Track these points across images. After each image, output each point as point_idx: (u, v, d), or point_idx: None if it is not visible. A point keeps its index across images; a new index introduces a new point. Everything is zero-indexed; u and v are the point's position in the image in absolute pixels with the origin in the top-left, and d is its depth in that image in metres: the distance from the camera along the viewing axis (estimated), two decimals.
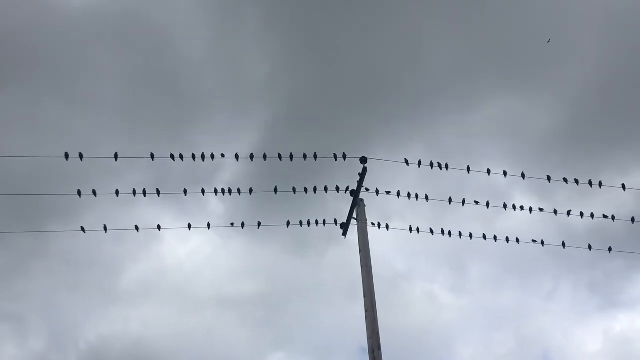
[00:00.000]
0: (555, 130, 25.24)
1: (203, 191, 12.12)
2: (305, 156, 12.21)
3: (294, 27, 28.45)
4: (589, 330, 28.57)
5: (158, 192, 11.95)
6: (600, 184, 12.98)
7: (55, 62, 25.43)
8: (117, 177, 13.09)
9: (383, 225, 12.29)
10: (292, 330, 25.72)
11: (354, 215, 11.59)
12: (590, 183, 12.95)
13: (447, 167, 12.61)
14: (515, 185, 16.45)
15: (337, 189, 12.04)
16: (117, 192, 11.72)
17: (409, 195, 12.46)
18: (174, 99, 25.86)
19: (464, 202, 12.82)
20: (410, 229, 12.54)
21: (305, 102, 26.64)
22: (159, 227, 12.21)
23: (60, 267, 24.13)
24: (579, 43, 26.08)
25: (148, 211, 17.54)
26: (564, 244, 13.18)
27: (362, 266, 10.75)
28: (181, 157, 11.79)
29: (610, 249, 13.27)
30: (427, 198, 12.57)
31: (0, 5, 24.92)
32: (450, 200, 12.73)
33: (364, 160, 11.54)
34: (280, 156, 12.15)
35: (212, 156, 11.90)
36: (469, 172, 12.79)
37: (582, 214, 13.05)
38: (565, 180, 12.95)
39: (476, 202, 12.87)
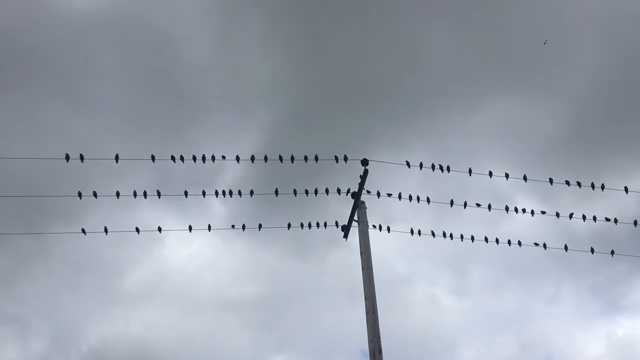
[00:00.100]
0: (557, 133, 25.19)
1: (204, 193, 12.11)
2: (306, 158, 12.22)
3: (296, 30, 28.49)
4: (591, 334, 28.49)
5: (159, 194, 11.95)
6: (602, 187, 12.94)
7: (57, 65, 25.47)
8: (119, 180, 13.08)
9: (384, 227, 12.27)
10: (293, 333, 25.70)
11: (355, 218, 11.56)
12: (592, 186, 12.92)
13: (448, 169, 12.57)
14: (517, 188, 16.38)
15: (339, 191, 12.01)
16: (117, 194, 11.71)
17: (410, 197, 12.44)
18: (177, 102, 25.88)
19: (465, 204, 12.78)
20: (412, 232, 12.53)
21: (307, 104, 26.64)
22: (159, 229, 12.21)
23: (61, 269, 24.13)
24: (582, 46, 26.08)
25: (150, 214, 17.52)
26: (566, 247, 13.12)
27: (363, 269, 10.71)
28: (182, 158, 11.80)
29: (612, 252, 13.21)
30: (428, 200, 12.55)
31: (1, 7, 24.99)
32: (451, 202, 12.70)
33: (365, 162, 11.51)
34: (281, 158, 12.16)
35: (213, 158, 11.90)
36: (470, 175, 12.76)
37: (584, 217, 13.01)
38: (567, 182, 12.91)
39: (478, 205, 12.83)
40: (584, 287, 27.34)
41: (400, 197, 12.36)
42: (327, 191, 12.22)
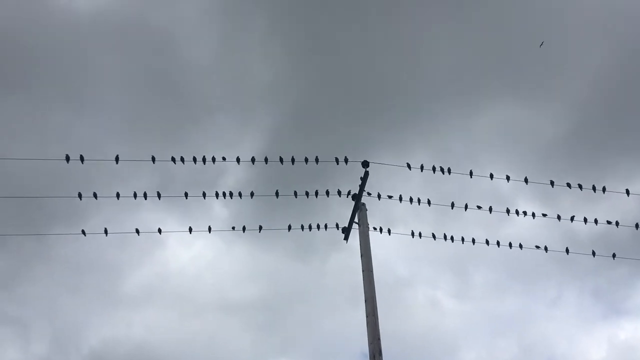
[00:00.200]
0: (558, 135, 25.17)
1: (204, 194, 12.08)
2: (306, 159, 12.20)
3: (297, 31, 28.52)
4: (593, 338, 28.40)
5: (159, 195, 11.92)
6: (604, 190, 12.89)
7: (59, 66, 25.50)
8: (121, 181, 13.07)
9: (385, 229, 12.24)
10: (294, 335, 25.66)
11: (356, 220, 11.53)
12: (594, 188, 12.87)
13: (449, 171, 12.54)
14: (518, 191, 16.38)
15: (339, 192, 11.99)
16: (117, 195, 11.68)
17: (410, 199, 12.40)
18: (178, 103, 25.90)
19: (466, 207, 12.74)
20: (413, 234, 12.50)
21: (308, 106, 26.64)
22: (159, 231, 12.18)
23: (62, 271, 24.13)
24: (583, 48, 26.06)
25: (151, 216, 17.52)
26: (567, 250, 13.10)
27: (363, 271, 10.68)
28: (182, 160, 11.79)
29: (614, 255, 13.16)
30: (429, 203, 12.52)
31: (2, 8, 25.04)
32: (452, 205, 12.65)
33: (365, 164, 11.49)
34: (281, 159, 12.13)
35: (213, 159, 11.88)
36: (471, 177, 12.73)
37: (585, 220, 12.96)
38: (568, 185, 12.88)
39: (479, 207, 12.80)
40: (585, 290, 27.29)
41: (400, 199, 12.33)
42: (327, 193, 12.19)
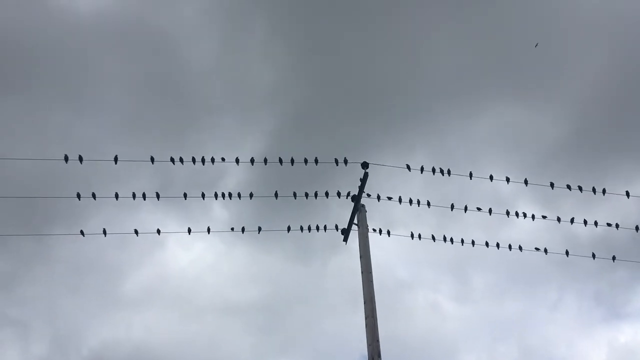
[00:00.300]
0: (559, 139, 25.14)
1: (203, 195, 12.06)
2: (306, 161, 12.17)
3: (298, 33, 28.54)
4: (593, 341, 28.31)
5: (158, 196, 11.89)
6: (603, 191, 12.87)
7: (60, 68, 25.52)
8: (121, 183, 13.03)
9: (384, 231, 12.22)
10: (294, 337, 25.61)
11: (355, 221, 11.51)
12: (594, 190, 12.84)
13: (449, 172, 12.51)
14: (518, 194, 16.37)
15: (338, 194, 11.97)
16: (116, 196, 11.66)
17: (410, 201, 12.38)
18: (179, 105, 25.91)
19: (466, 208, 12.71)
20: (412, 236, 12.47)
21: (310, 108, 26.64)
22: (158, 231, 12.13)
23: (62, 272, 24.09)
24: (584, 50, 26.06)
25: (151, 217, 17.51)
26: (567, 253, 13.06)
27: (362, 272, 10.67)
28: (181, 160, 11.77)
29: (614, 258, 13.13)
30: (428, 204, 12.49)
31: (3, 9, 25.08)
32: (452, 206, 12.63)
33: (365, 165, 11.47)
34: (280, 160, 12.11)
35: (212, 160, 11.88)
36: (471, 178, 12.70)
37: (585, 222, 12.93)
38: (568, 187, 12.84)
39: (478, 209, 12.77)
40: (586, 293, 27.21)
41: (400, 200, 12.31)
42: (327, 194, 12.17)
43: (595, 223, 12.94)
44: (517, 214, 12.78)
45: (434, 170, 12.47)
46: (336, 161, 12.09)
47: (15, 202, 11.94)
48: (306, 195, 12.21)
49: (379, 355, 9.64)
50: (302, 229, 12.14)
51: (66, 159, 11.25)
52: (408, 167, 12.49)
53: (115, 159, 11.55)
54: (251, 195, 12.23)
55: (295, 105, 26.78)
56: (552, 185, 12.83)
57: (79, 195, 11.56)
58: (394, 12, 26.55)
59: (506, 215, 12.79)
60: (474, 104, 26.62)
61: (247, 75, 27.84)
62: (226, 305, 26.24)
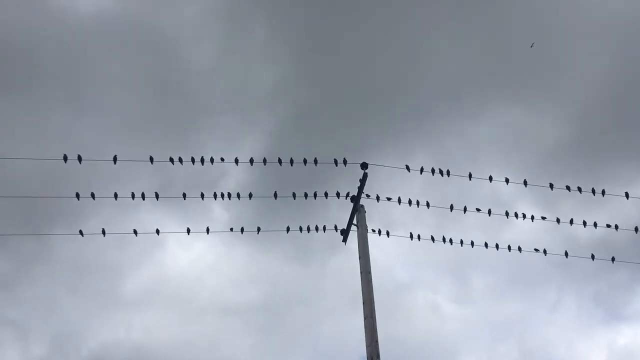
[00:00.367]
0: (559, 140, 25.14)
1: (202, 195, 12.06)
2: (305, 161, 12.17)
3: (299, 35, 28.56)
4: (593, 343, 28.28)
5: (157, 196, 11.88)
6: (603, 193, 12.86)
7: (61, 69, 25.56)
8: (121, 183, 13.01)
9: (383, 232, 12.21)
10: (294, 338, 25.60)
11: (354, 222, 11.50)
12: (593, 191, 12.83)
13: (448, 173, 12.51)
14: (518, 196, 16.34)
15: (338, 194, 11.98)
16: (115, 195, 11.65)
17: (409, 202, 12.37)
18: (180, 106, 25.93)
19: (465, 209, 12.71)
20: (411, 236, 12.45)
21: (310, 110, 26.66)
22: (157, 232, 12.13)
23: (62, 272, 24.10)
24: (583, 53, 26.07)
25: (151, 218, 17.52)
26: (566, 254, 13.04)
27: (361, 273, 10.65)
28: (180, 160, 11.78)
29: (613, 259, 13.12)
30: (428, 205, 12.48)
31: (5, 10, 25.11)
32: (451, 207, 12.62)
33: (364, 165, 11.47)
34: (280, 161, 12.10)
35: (212, 160, 11.89)
36: (470, 179, 12.71)
37: (584, 223, 12.92)
38: (567, 188, 12.83)
39: (478, 210, 12.77)
40: (585, 295, 27.22)
41: (399, 201, 12.30)
42: (326, 194, 12.16)
43: (595, 224, 12.95)
44: (516, 215, 12.79)
45: (433, 171, 12.47)
46: (335, 162, 12.10)
47: (15, 203, 11.94)
48: (305, 195, 12.21)
49: (378, 356, 9.62)
50: (301, 229, 12.14)
51: (65, 158, 11.26)
52: (407, 168, 12.49)
53: (115, 159, 11.55)
54: (250, 195, 12.23)
55: (295, 105, 26.81)
56: (551, 186, 12.83)
57: (77, 195, 11.56)
58: (394, 13, 26.59)
59: (505, 217, 12.80)
60: (474, 105, 26.65)
61: (247, 76, 27.89)
62: (226, 305, 26.26)
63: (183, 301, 25.37)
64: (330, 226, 12.06)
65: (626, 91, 24.59)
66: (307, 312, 25.27)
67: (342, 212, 11.96)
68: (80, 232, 11.65)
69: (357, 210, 11.51)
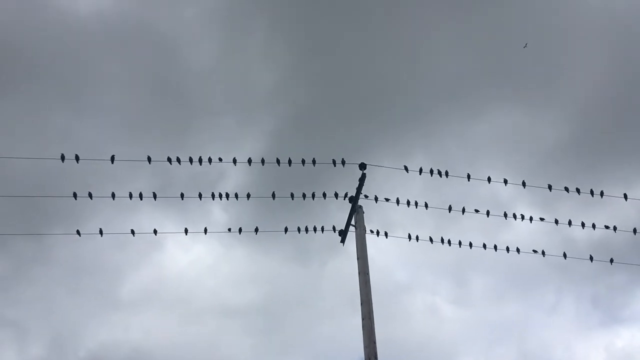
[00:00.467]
0: (558, 143, 25.16)
1: (200, 195, 12.02)
2: (303, 161, 12.13)
3: (298, 36, 28.59)
4: (591, 345, 28.27)
5: (154, 196, 11.84)
6: (601, 194, 12.84)
7: (61, 69, 25.59)
8: (120, 184, 12.98)
9: (382, 233, 12.19)
10: (292, 340, 25.59)
11: (353, 222, 11.47)
12: (591, 192, 12.82)
13: (447, 174, 12.49)
14: (517, 197, 16.35)
15: (336, 195, 11.96)
16: (113, 195, 11.61)
17: (408, 203, 12.34)
18: (180, 107, 25.96)
19: (463, 210, 12.69)
20: (409, 237, 12.42)
21: (310, 111, 26.69)
22: (155, 232, 12.07)
23: (61, 274, 24.11)
24: (584, 55, 26.09)
25: (149, 220, 17.48)
26: (564, 255, 13.03)
27: (359, 273, 10.62)
28: (178, 160, 11.76)
29: (611, 261, 13.10)
30: (426, 206, 12.45)
31: (5, 11, 25.13)
32: (450, 208, 12.60)
33: (363, 166, 11.45)
34: (278, 161, 12.07)
35: (210, 160, 11.86)
36: (469, 180, 12.68)
37: (583, 225, 12.89)
38: (566, 189, 12.81)
39: (476, 211, 12.74)
40: (583, 297, 27.22)
41: (398, 201, 12.28)
42: (324, 195, 12.13)
43: (593, 226, 12.92)
44: (514, 216, 12.76)
45: (432, 172, 12.44)
46: (334, 162, 12.09)
47: (13, 203, 11.92)
48: (303, 196, 12.18)
49: (376, 357, 9.59)
50: (299, 230, 12.12)
51: (62, 158, 11.24)
52: (406, 169, 12.47)
53: (112, 159, 11.53)
54: (248, 195, 12.20)
55: (295, 106, 26.84)
56: (549, 187, 12.79)
57: (75, 195, 11.51)
58: (394, 14, 26.62)
59: (504, 218, 12.78)
60: (473, 106, 26.70)
61: (247, 77, 27.94)
62: (225, 306, 26.25)
63: (182, 302, 25.39)
64: (328, 227, 12.06)
65: (625, 92, 24.64)
66: (306, 313, 25.27)
67: (340, 213, 11.97)
68: (78, 232, 11.65)
69: (356, 211, 11.48)
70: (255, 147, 23.97)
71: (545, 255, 13.04)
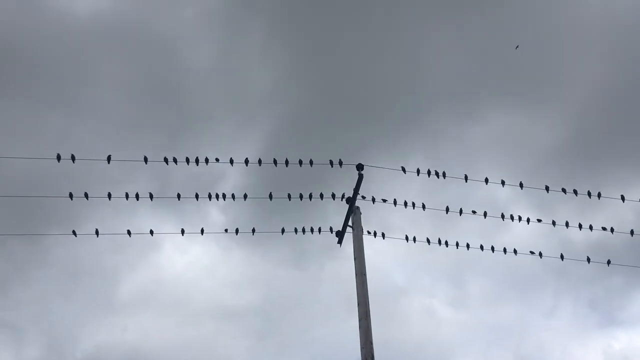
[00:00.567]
0: (555, 145, 25.19)
1: (197, 196, 11.99)
2: (300, 162, 12.11)
3: (297, 38, 28.63)
4: (588, 348, 28.24)
5: (151, 196, 11.83)
6: (599, 195, 12.83)
7: (58, 71, 25.58)
8: (117, 186, 12.96)
9: (379, 234, 12.17)
10: (290, 342, 25.55)
11: (350, 223, 11.46)
12: (589, 194, 12.80)
13: (444, 175, 12.48)
14: (514, 199, 16.35)
15: (333, 196, 11.95)
16: (109, 195, 11.57)
17: (405, 204, 12.34)
18: (178, 109, 25.96)
19: (461, 211, 12.68)
20: (407, 239, 12.42)
21: (308, 113, 26.70)
22: (151, 232, 12.08)
23: (57, 275, 24.02)
24: (581, 58, 26.16)
25: (147, 221, 17.38)
26: (562, 256, 13.03)
27: (356, 274, 10.62)
28: (175, 160, 11.73)
29: (609, 262, 13.09)
30: (423, 207, 12.45)
31: (2, 12, 25.12)
32: (447, 209, 12.59)
33: (360, 167, 11.44)
34: (275, 161, 12.05)
35: (206, 160, 11.82)
36: (466, 181, 12.68)
37: (580, 226, 12.89)
38: (563, 190, 12.81)
39: (474, 212, 12.73)
40: (581, 299, 27.21)
41: (395, 202, 12.27)
42: (321, 196, 12.12)
43: (591, 227, 12.89)
44: (511, 217, 12.77)
45: (429, 173, 12.42)
46: (331, 163, 12.07)
47: (9, 203, 11.87)
48: (300, 196, 12.15)
49: (373, 358, 9.59)
50: (296, 230, 12.11)
51: (58, 158, 11.20)
52: (403, 170, 12.42)
53: (109, 159, 11.50)
54: (245, 196, 12.16)
55: (293, 108, 26.85)
56: (547, 188, 12.79)
57: (71, 195, 11.47)
58: (391, 16, 26.67)
59: (501, 219, 12.77)
60: (471, 108, 26.73)
61: (245, 79, 27.97)
62: (222, 309, 26.21)
63: (179, 304, 25.35)
64: (325, 228, 12.05)
65: (622, 94, 24.69)
66: (303, 315, 25.25)
67: (337, 214, 11.96)
68: (74, 232, 11.59)
69: (353, 212, 11.47)
70: (253, 148, 23.95)
71: (543, 257, 13.04)
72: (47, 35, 25.45)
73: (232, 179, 16.47)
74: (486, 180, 12.76)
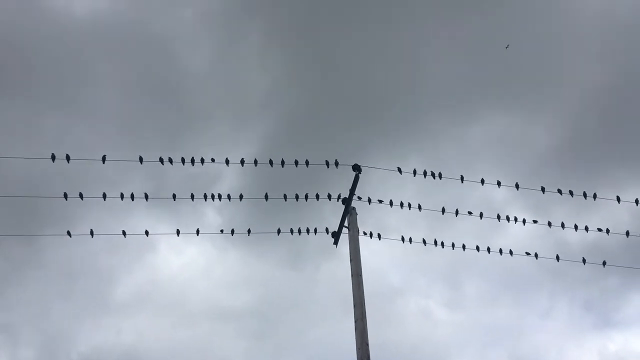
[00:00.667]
0: (552, 147, 25.24)
1: (192, 196, 11.97)
2: (296, 162, 12.09)
3: (294, 41, 28.64)
4: (584, 349, 28.26)
5: (146, 197, 11.78)
6: (594, 196, 12.84)
7: (56, 71, 25.56)
8: (113, 187, 12.92)
9: (375, 235, 12.16)
10: (286, 343, 25.53)
11: (346, 224, 11.44)
12: (584, 195, 12.82)
13: (440, 176, 12.48)
14: (510, 201, 16.36)
15: (329, 196, 11.92)
16: (104, 196, 11.52)
17: (401, 205, 12.32)
18: (175, 110, 25.96)
19: (457, 212, 12.68)
20: (403, 239, 12.40)
21: (305, 115, 26.71)
22: (146, 233, 12.04)
23: (53, 276, 23.97)
24: (577, 61, 26.23)
25: (142, 222, 17.34)
26: (557, 257, 13.03)
27: (352, 275, 10.59)
28: (170, 161, 11.70)
29: (604, 263, 13.11)
30: (419, 207, 12.44)
31: (1, 12, 25.09)
32: (443, 210, 12.59)
33: (356, 167, 11.43)
34: (271, 162, 12.02)
35: (202, 160, 11.81)
36: (462, 182, 12.68)
37: (576, 227, 12.91)
38: (559, 192, 12.83)
39: (470, 213, 12.73)
40: (576, 301, 27.25)
41: (391, 203, 12.25)
42: (317, 196, 12.10)
43: (586, 228, 12.93)
44: (507, 218, 12.76)
45: (425, 174, 12.42)
46: (327, 163, 12.03)
47: (3, 203, 11.83)
48: (296, 197, 12.14)
49: (368, 359, 9.56)
50: (292, 231, 12.09)
51: (53, 158, 11.16)
52: (399, 170, 12.43)
53: (103, 159, 11.46)
54: (241, 196, 12.15)
55: (290, 110, 26.87)
56: (543, 189, 12.80)
57: (65, 195, 11.39)
58: (389, 20, 26.69)
59: (497, 220, 12.77)
60: (467, 110, 26.79)
61: (242, 81, 27.97)
62: (218, 310, 26.18)
63: (174, 305, 25.32)
64: (321, 229, 12.03)
65: (619, 96, 24.75)
66: (299, 316, 25.24)
67: (333, 214, 11.94)
68: (68, 233, 11.57)
69: (349, 212, 11.46)
70: (250, 150, 23.97)
71: (538, 258, 13.06)
72: (46, 35, 25.46)
73: (228, 180, 16.47)
74: (482, 181, 12.77)
